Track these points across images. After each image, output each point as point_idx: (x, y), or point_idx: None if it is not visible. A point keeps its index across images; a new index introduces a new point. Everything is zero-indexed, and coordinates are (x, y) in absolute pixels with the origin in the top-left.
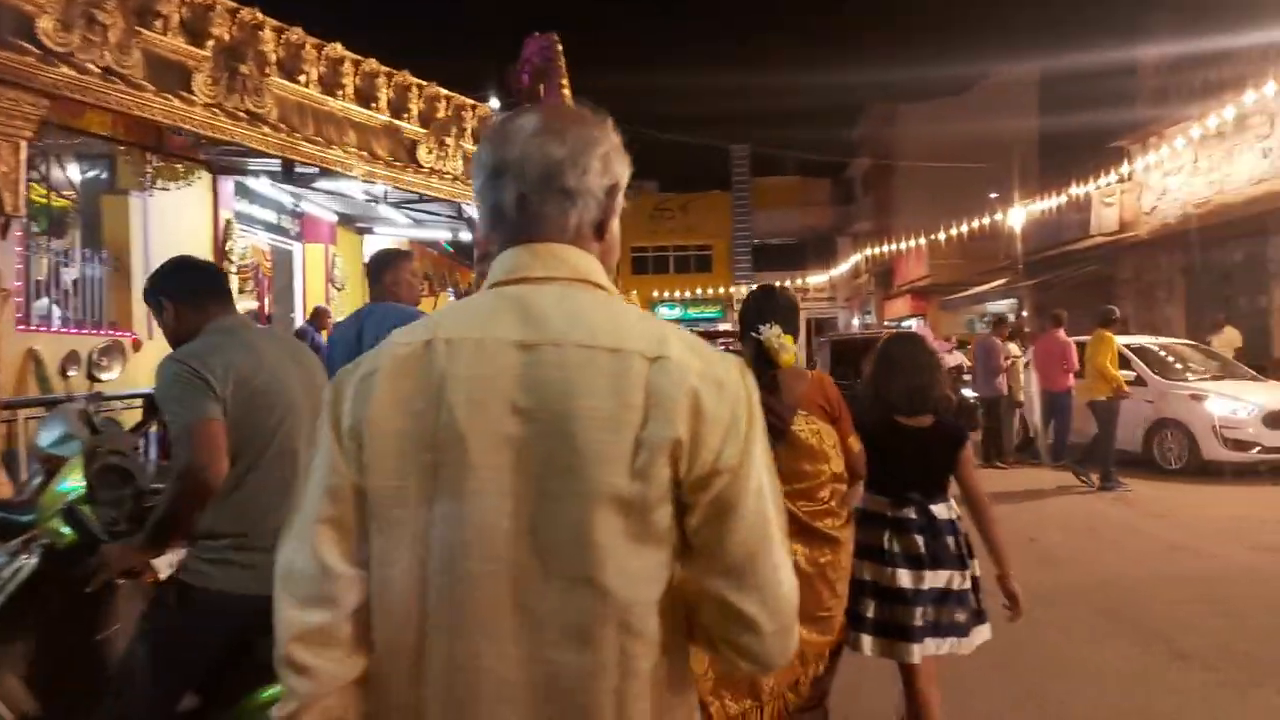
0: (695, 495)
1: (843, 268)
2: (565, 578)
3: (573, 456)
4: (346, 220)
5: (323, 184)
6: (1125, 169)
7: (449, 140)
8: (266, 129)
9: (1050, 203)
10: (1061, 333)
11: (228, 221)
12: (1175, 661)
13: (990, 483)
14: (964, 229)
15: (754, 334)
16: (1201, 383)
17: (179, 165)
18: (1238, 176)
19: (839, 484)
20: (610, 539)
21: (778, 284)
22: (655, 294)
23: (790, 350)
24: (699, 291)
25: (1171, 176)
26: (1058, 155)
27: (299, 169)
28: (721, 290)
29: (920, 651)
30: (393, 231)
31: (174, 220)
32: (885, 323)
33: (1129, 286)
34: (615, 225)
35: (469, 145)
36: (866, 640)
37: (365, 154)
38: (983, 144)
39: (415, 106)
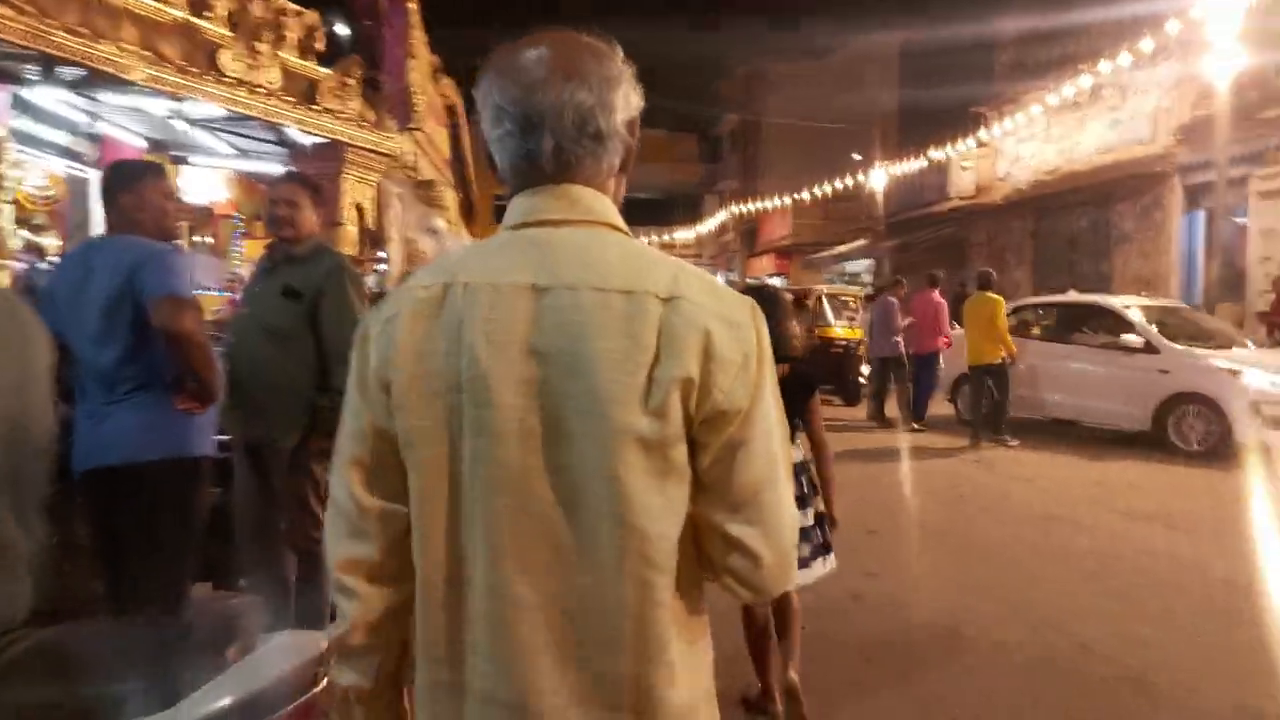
0: (707, 434)
1: (709, 225)
2: (590, 513)
3: (590, 397)
4: (157, 146)
5: (107, 96)
6: (982, 134)
7: (262, 48)
8: (6, 11)
9: (910, 166)
10: (936, 294)
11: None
12: (1079, 653)
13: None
14: (827, 189)
15: None
16: (1221, 351)
17: None
18: (1086, 146)
19: None
20: (630, 476)
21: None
22: None
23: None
24: None
25: (1025, 144)
26: (919, 120)
27: (60, 70)
28: None
29: None
30: (214, 162)
31: None
32: (748, 280)
33: (981, 249)
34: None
35: (290, 57)
36: None
37: (150, 54)
38: (847, 107)
39: (222, 4)
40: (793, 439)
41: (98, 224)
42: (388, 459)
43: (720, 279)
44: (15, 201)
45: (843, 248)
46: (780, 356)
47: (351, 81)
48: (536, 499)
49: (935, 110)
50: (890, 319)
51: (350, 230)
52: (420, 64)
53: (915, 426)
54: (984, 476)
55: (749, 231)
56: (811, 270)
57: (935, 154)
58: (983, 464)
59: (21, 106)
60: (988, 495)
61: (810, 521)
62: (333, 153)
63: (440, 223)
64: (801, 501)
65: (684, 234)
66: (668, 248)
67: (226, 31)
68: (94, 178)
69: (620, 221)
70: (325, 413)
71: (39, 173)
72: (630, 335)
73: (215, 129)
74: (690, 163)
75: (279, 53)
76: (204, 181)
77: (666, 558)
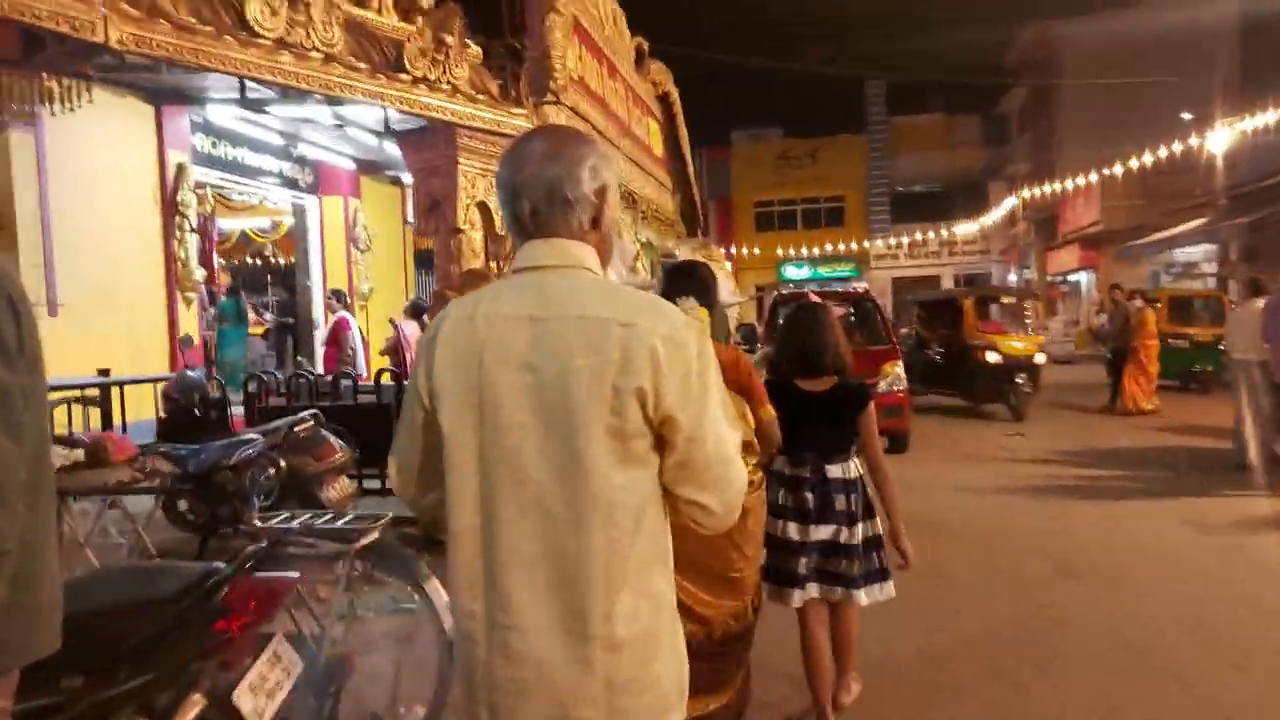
0: (668, 432)
1: (995, 215)
2: (569, 486)
3: (569, 400)
4: (370, 167)
5: (277, 109)
6: None
7: (450, 39)
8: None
9: (1267, 117)
10: None
11: (179, 166)
12: None
13: None
14: (1146, 160)
15: None
16: None
17: (64, 82)
18: None
19: (749, 451)
20: (598, 459)
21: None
22: (780, 252)
23: (703, 323)
24: (829, 248)
25: None
26: (1268, 60)
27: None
28: (855, 246)
29: (801, 596)
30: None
31: (86, 162)
32: (1049, 278)
33: None
34: (608, 215)
35: (357, 9)
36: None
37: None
38: (1167, 59)
39: None
40: (847, 455)
41: (314, 256)
42: (433, 440)
43: (1012, 278)
44: (235, 237)
45: (1170, 231)
46: (824, 368)
47: (451, 40)
48: (531, 476)
49: None
50: None
51: (474, 237)
52: (563, 22)
53: None
54: None
55: (1045, 220)
56: (1127, 262)
57: None
58: None
59: (233, 138)
60: None
61: (856, 541)
62: (439, 138)
63: (627, 242)
64: (850, 518)
65: (965, 228)
66: (948, 245)
67: (403, 23)
68: (311, 204)
69: (597, 265)
70: None
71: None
72: (599, 352)
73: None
74: (971, 146)
75: (339, 2)
76: None
77: (628, 521)
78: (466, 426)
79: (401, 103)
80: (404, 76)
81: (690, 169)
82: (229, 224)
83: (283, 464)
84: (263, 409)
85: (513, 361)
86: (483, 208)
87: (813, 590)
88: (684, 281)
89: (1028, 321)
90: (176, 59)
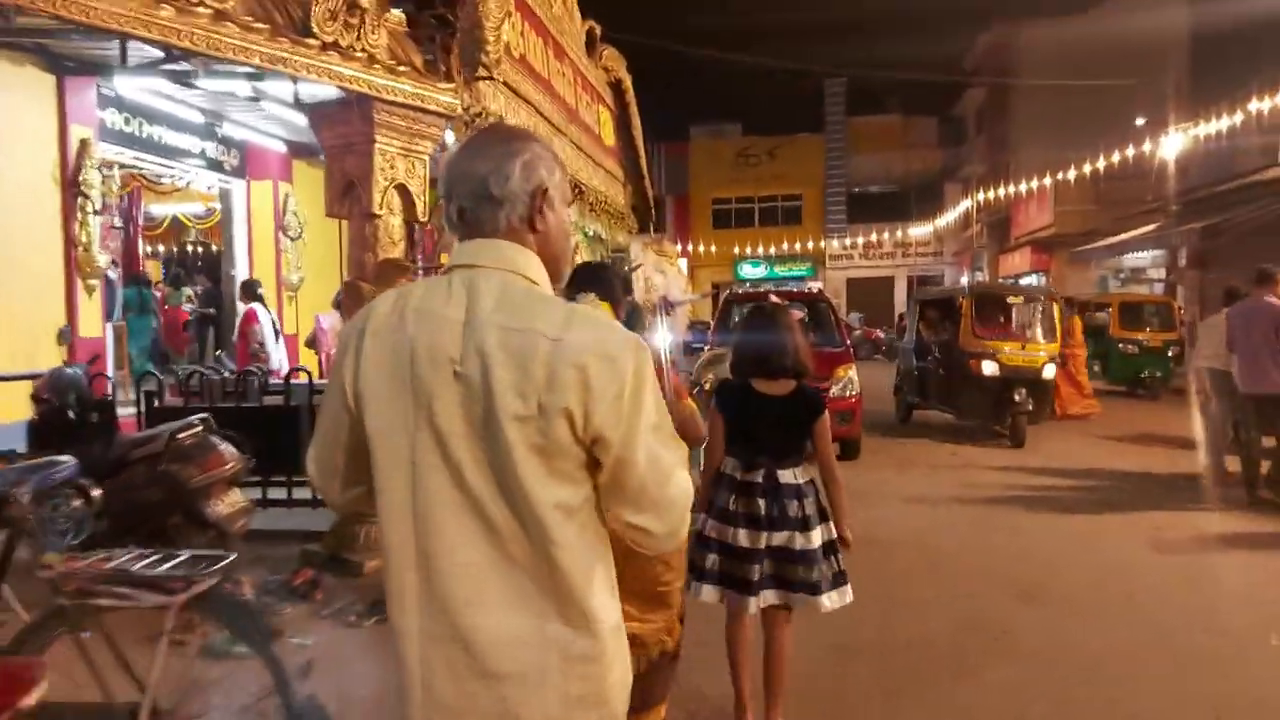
0: (598, 452)
1: (950, 217)
2: (506, 497)
3: (496, 413)
4: (303, 149)
5: (204, 82)
6: None
7: (366, 3)
8: None
9: (1219, 124)
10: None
11: (83, 142)
12: None
13: None
14: (1100, 164)
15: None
16: None
17: None
18: None
19: None
20: (529, 475)
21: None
22: (737, 250)
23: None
24: (786, 246)
25: None
26: (1221, 66)
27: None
28: (812, 245)
29: (756, 603)
30: None
31: None
32: (1000, 279)
33: None
34: (553, 218)
35: (394, 15)
36: (707, 589)
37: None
38: (1120, 65)
39: None
40: (800, 460)
41: (240, 245)
42: (357, 437)
43: (963, 280)
44: (167, 222)
45: (1123, 236)
46: (783, 371)
47: (367, 3)
48: (469, 482)
49: (1253, 45)
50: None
51: (392, 224)
52: None
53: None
54: None
55: (998, 223)
56: (1079, 265)
57: (1258, 104)
58: None
59: (149, 115)
60: None
61: (815, 545)
62: (355, 113)
63: (674, 272)
64: (804, 524)
65: (920, 229)
66: (902, 246)
67: None
68: (238, 189)
69: (534, 273)
70: None
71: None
72: (523, 367)
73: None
74: (928, 148)
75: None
76: None
77: (563, 533)
78: (398, 429)
79: (308, 70)
80: (311, 41)
81: (643, 161)
82: (160, 209)
83: (95, 492)
84: (158, 410)
85: (444, 363)
86: (402, 191)
87: (770, 597)
88: (585, 275)
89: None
90: (30, 7)
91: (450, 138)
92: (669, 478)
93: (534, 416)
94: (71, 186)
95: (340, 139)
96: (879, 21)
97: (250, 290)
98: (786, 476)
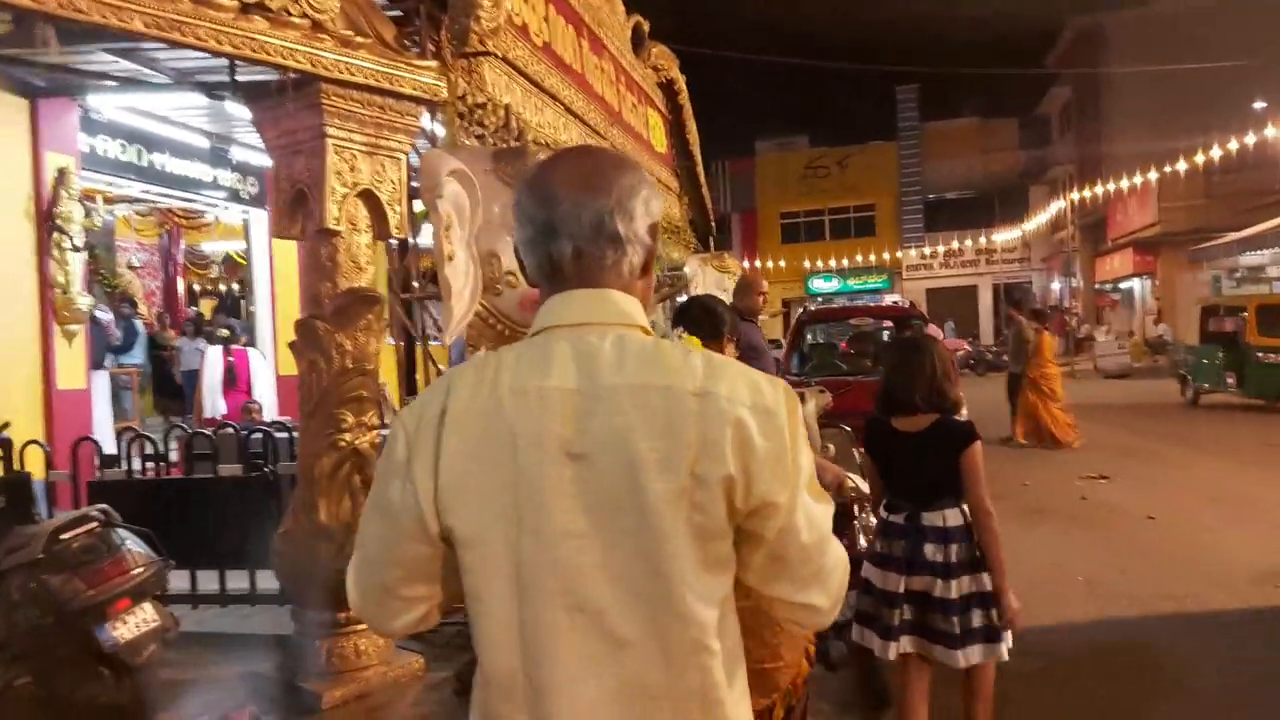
0: (756, 524)
1: (1038, 220)
2: (645, 606)
3: (637, 496)
4: None
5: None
6: None
7: None
8: None
9: None
10: None
11: (61, 172)
12: None
13: None
14: (1214, 154)
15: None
16: None
17: None
18: None
19: None
20: (680, 569)
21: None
22: (808, 264)
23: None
24: (860, 259)
25: None
26: None
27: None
28: (887, 256)
29: (896, 649)
30: None
31: None
32: (1096, 285)
33: None
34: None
35: None
36: (857, 630)
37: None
38: (1232, 38)
39: None
40: (954, 502)
41: (262, 291)
42: (425, 555)
43: (1056, 286)
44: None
45: (1246, 231)
46: (915, 406)
47: None
48: (591, 599)
49: None
50: None
51: (357, 243)
52: None
53: None
54: None
55: (1093, 225)
56: (1192, 266)
57: None
58: None
59: (146, 141)
60: None
61: (953, 595)
62: (301, 101)
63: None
64: (945, 570)
65: (1005, 235)
66: (986, 253)
67: None
68: (257, 219)
69: (646, 322)
70: None
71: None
72: (670, 434)
73: None
74: (1009, 151)
75: None
76: None
77: (717, 640)
78: (498, 539)
79: (219, 41)
80: (226, 2)
81: (700, 169)
82: (211, 246)
83: None
84: (97, 484)
85: (555, 448)
86: (369, 200)
87: (907, 644)
88: (680, 315)
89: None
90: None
91: (440, 132)
92: (827, 541)
93: (690, 491)
94: (47, 221)
95: (285, 136)
96: (954, 23)
97: (209, 334)
98: (932, 519)
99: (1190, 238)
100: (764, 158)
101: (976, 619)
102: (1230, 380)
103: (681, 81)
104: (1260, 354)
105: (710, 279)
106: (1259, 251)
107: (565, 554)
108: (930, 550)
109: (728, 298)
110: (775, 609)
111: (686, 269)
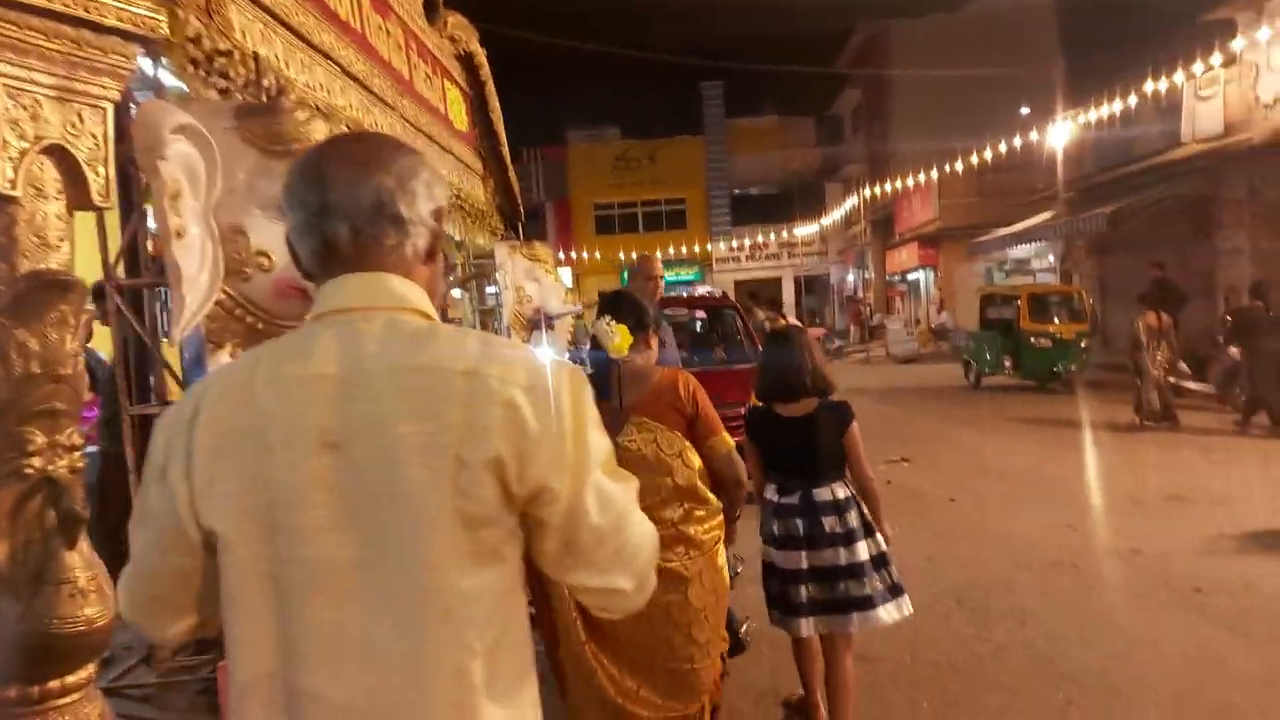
0: (539, 509)
1: (834, 216)
2: (403, 603)
3: (395, 484)
4: None
5: None
6: (1237, 44)
7: None
8: None
9: (1111, 109)
10: None
11: None
12: None
13: None
14: (986, 155)
15: (591, 331)
16: None
17: None
18: None
19: (693, 500)
20: (442, 561)
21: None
22: (622, 255)
23: (620, 337)
24: (673, 250)
25: None
26: (1104, 52)
27: None
28: (699, 248)
29: (806, 627)
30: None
31: None
32: (887, 277)
33: (1239, 210)
34: (438, 250)
35: None
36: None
37: None
38: (997, 57)
39: None
40: (839, 476)
41: None
42: (188, 563)
43: (850, 277)
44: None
45: (1016, 226)
46: (803, 391)
47: None
48: (347, 596)
49: (1136, 30)
50: None
51: (44, 213)
52: None
53: None
54: None
55: (883, 220)
56: (964, 259)
57: (1151, 86)
58: None
59: None
60: None
61: (862, 558)
62: None
63: (548, 280)
64: (847, 538)
65: (805, 229)
66: (788, 246)
67: None
68: None
69: (429, 307)
70: None
71: None
72: (433, 416)
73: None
74: (806, 148)
75: None
76: None
77: (482, 641)
78: (251, 539)
79: None
80: None
81: (505, 150)
82: None
83: None
84: None
85: (313, 439)
86: (62, 158)
87: (814, 625)
88: (607, 303)
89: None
90: None
91: (167, 81)
92: (626, 519)
93: (453, 475)
94: None
95: None
96: (753, 21)
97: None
98: (823, 494)
99: (967, 232)
100: (576, 146)
101: (883, 579)
102: (1008, 364)
103: (482, 55)
104: (1033, 339)
105: (520, 267)
106: (1026, 245)
107: (320, 550)
108: (829, 523)
109: (539, 289)
110: (583, 598)
111: (497, 255)
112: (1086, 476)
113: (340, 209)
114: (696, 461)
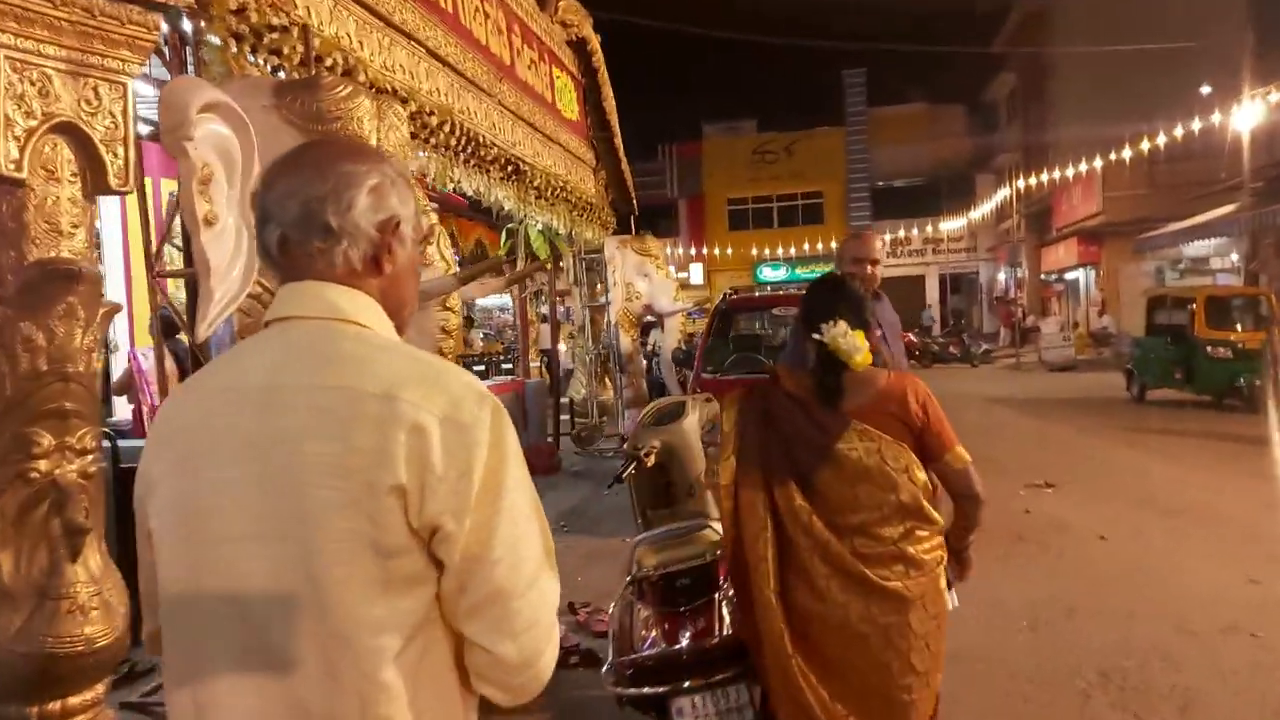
0: (439, 548)
1: (984, 209)
2: (308, 624)
3: (299, 501)
4: None
5: None
6: None
7: None
8: None
9: None
10: None
11: None
12: None
13: None
14: (1160, 141)
15: (816, 335)
16: None
17: None
18: None
19: (916, 519)
20: (341, 586)
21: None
22: (755, 252)
23: (864, 350)
24: (807, 247)
25: None
26: None
27: None
28: (834, 244)
29: None
30: None
31: None
32: (1041, 275)
33: None
34: (403, 257)
35: None
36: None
37: None
38: (1177, 23)
39: None
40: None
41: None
42: (150, 554)
43: (1001, 275)
44: None
45: (1199, 218)
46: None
47: None
48: (253, 609)
49: None
50: None
51: (55, 195)
52: None
53: None
54: None
55: (1039, 214)
56: (1130, 257)
57: None
58: None
59: None
60: None
61: None
62: None
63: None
64: None
65: (951, 224)
66: (933, 242)
67: None
68: None
69: (373, 318)
70: None
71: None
72: (344, 437)
73: None
74: (956, 137)
75: None
76: None
77: (385, 672)
78: (173, 545)
79: None
80: None
81: (619, 141)
82: None
83: None
84: None
85: (235, 449)
86: (75, 137)
87: None
88: (832, 299)
89: None
90: None
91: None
92: (531, 587)
93: (361, 500)
94: None
95: None
96: (900, 2)
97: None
98: None
99: (1134, 227)
100: (711, 140)
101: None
102: (1178, 375)
103: (595, 41)
104: (1209, 348)
105: (630, 262)
106: (1203, 241)
107: (227, 559)
108: None
109: (649, 285)
110: (467, 658)
111: (606, 250)
112: (1276, 516)
113: (272, 216)
114: (922, 476)
